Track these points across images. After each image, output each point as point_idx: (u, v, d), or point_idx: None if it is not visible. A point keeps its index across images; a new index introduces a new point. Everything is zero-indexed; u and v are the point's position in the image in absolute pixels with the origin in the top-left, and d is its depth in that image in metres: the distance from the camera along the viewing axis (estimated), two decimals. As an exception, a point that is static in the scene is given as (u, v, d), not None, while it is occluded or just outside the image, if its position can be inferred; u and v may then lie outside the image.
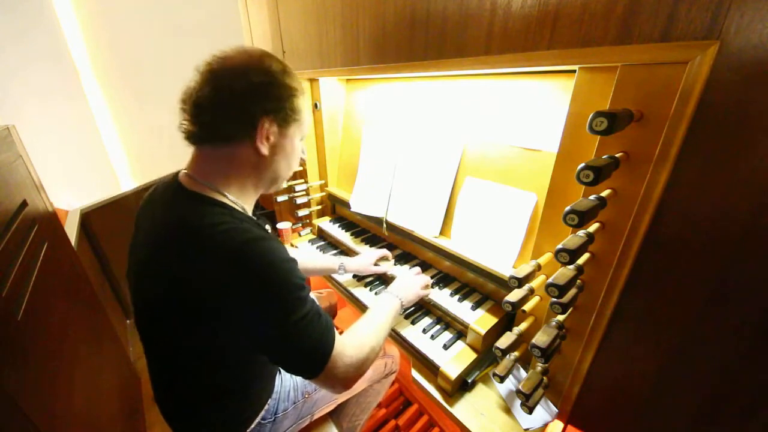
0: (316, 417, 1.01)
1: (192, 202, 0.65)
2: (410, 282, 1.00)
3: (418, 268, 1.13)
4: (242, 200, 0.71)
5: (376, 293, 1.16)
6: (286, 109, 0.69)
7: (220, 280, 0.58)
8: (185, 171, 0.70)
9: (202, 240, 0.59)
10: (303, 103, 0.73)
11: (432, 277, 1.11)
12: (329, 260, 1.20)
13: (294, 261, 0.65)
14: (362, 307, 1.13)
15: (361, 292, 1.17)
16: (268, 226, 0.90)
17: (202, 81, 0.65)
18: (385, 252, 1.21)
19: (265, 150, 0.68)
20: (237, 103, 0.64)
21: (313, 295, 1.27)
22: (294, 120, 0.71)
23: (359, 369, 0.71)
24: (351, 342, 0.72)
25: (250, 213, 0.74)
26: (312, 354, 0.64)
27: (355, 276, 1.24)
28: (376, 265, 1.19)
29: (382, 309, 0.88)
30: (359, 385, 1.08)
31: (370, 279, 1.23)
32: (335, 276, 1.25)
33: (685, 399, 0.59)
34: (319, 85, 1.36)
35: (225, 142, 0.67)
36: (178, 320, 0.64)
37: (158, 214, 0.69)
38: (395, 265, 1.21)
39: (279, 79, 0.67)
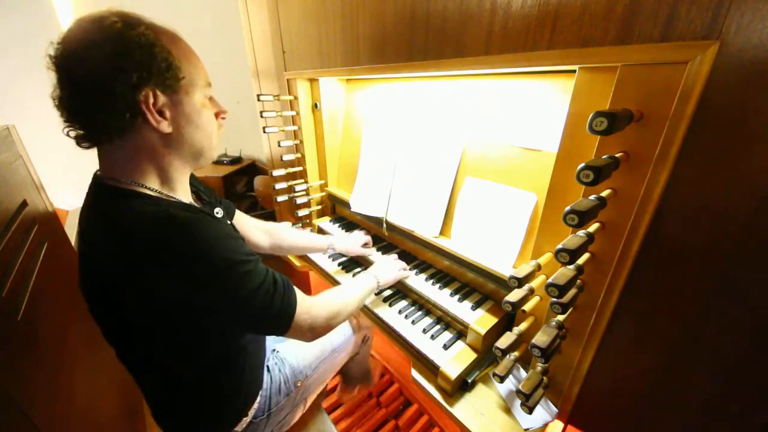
0: (309, 403, 1.04)
1: (113, 199, 0.60)
2: (388, 264, 1.09)
3: (395, 255, 1.22)
4: (169, 187, 0.66)
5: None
6: (160, 71, 0.57)
7: (158, 272, 0.55)
8: (99, 173, 0.65)
9: (127, 235, 0.55)
10: (176, 52, 0.60)
11: (432, 277, 1.11)
12: (319, 240, 1.26)
13: (234, 237, 0.63)
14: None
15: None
16: (219, 210, 0.85)
17: (57, 78, 0.56)
18: (368, 238, 1.31)
19: (165, 127, 0.60)
20: (101, 90, 0.54)
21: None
22: (178, 79, 0.60)
23: (327, 322, 0.78)
24: (318, 301, 0.78)
25: (185, 198, 0.69)
26: (276, 317, 0.68)
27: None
28: (363, 247, 1.28)
29: (358, 281, 0.98)
30: (342, 360, 1.16)
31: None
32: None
33: (685, 399, 0.59)
34: (319, 85, 1.36)
35: (119, 136, 0.59)
36: (135, 320, 0.61)
37: (84, 222, 0.65)
38: (383, 254, 1.29)
39: (129, 40, 0.55)
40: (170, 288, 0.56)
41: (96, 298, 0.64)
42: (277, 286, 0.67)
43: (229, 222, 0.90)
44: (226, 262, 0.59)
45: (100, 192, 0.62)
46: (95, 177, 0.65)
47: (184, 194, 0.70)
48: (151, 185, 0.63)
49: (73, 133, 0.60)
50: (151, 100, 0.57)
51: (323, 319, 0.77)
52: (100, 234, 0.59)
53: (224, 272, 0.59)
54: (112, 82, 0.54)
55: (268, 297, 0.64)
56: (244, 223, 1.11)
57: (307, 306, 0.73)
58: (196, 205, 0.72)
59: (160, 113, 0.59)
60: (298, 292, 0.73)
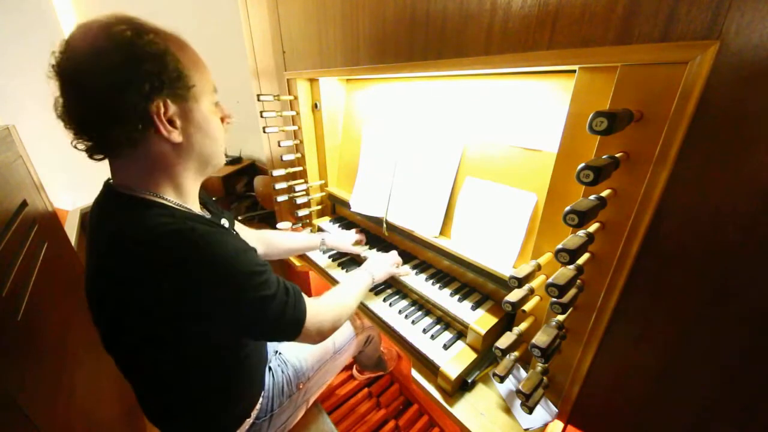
0: (311, 403, 1.05)
1: (128, 208, 0.59)
2: (382, 259, 1.10)
3: (394, 252, 1.21)
4: (182, 197, 0.66)
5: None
6: (170, 80, 0.56)
7: (176, 284, 0.55)
8: (112, 181, 0.64)
9: (146, 246, 0.54)
10: (185, 60, 0.59)
11: (432, 277, 1.11)
12: (310, 238, 1.27)
13: (249, 250, 0.64)
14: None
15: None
16: (225, 221, 0.86)
17: (60, 89, 0.55)
18: (361, 236, 1.33)
19: (176, 136, 0.59)
20: (113, 102, 0.53)
21: None
22: (188, 88, 0.59)
23: (333, 325, 0.79)
24: (323, 304, 0.79)
25: (195, 208, 0.70)
26: (288, 325, 0.69)
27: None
28: (354, 246, 1.29)
29: (354, 280, 0.98)
30: (345, 361, 1.18)
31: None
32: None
33: (685, 399, 0.59)
34: (319, 85, 1.36)
35: (130, 146, 0.57)
36: (145, 330, 0.60)
37: (96, 230, 0.63)
38: (370, 249, 1.33)
39: (139, 50, 0.53)
40: (187, 298, 0.56)
41: (105, 306, 0.62)
42: (288, 294, 0.68)
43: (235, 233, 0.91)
44: (245, 274, 0.60)
45: (115, 200, 0.61)
46: (108, 185, 0.64)
47: (194, 205, 0.70)
48: (167, 195, 0.63)
49: (81, 146, 0.59)
50: (162, 110, 0.56)
51: (329, 322, 0.79)
52: (115, 242, 0.57)
53: (243, 284, 0.60)
54: (123, 93, 0.52)
55: (281, 306, 0.66)
56: (241, 233, 1.11)
57: (315, 311, 0.75)
58: (207, 216, 0.73)
59: (171, 123, 0.59)
60: (306, 298, 0.74)
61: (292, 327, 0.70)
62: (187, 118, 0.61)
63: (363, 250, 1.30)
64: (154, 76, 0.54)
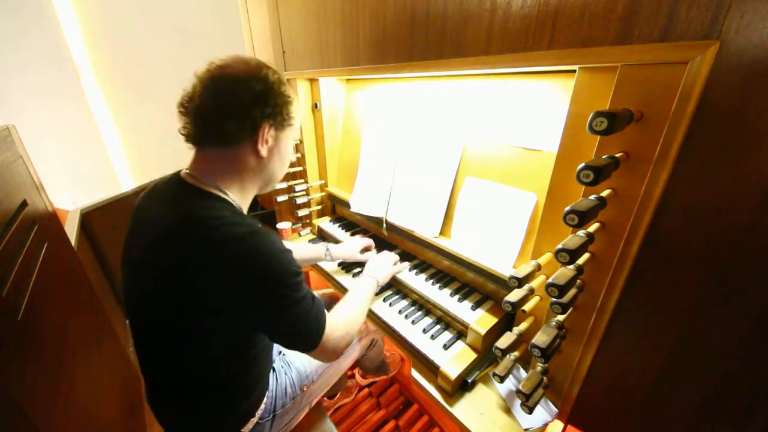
0: (313, 404, 1.06)
1: (195, 197, 0.69)
2: (383, 261, 1.11)
3: (396, 257, 1.20)
4: (240, 199, 0.76)
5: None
6: (283, 115, 0.74)
7: (224, 270, 0.62)
8: (187, 170, 0.74)
9: (205, 232, 0.63)
10: (296, 109, 0.79)
11: (432, 277, 1.11)
12: (316, 248, 1.26)
13: (290, 251, 0.71)
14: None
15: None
16: (260, 225, 0.93)
17: (203, 87, 0.69)
18: (369, 242, 1.28)
19: (264, 152, 0.74)
20: (240, 108, 0.69)
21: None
22: (289, 125, 0.78)
23: (346, 340, 0.82)
24: (339, 319, 0.82)
25: (245, 212, 0.77)
26: (309, 332, 0.73)
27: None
28: (361, 253, 1.25)
29: (362, 289, 0.98)
30: (348, 364, 1.18)
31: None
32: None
33: (685, 399, 0.59)
34: (319, 85, 1.36)
35: (227, 145, 0.71)
36: (178, 312, 0.67)
37: (159, 209, 0.72)
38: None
39: (277, 88, 0.73)
40: (227, 285, 0.63)
41: (150, 281, 0.69)
42: (314, 302, 0.74)
43: None
44: (283, 273, 0.68)
45: (187, 189, 0.71)
46: (178, 175, 0.75)
47: (246, 209, 0.80)
48: (231, 193, 0.73)
49: (185, 131, 0.73)
50: (267, 129, 0.72)
51: (343, 339, 0.81)
52: (183, 223, 0.65)
53: (279, 280, 0.67)
54: (251, 106, 0.69)
55: (305, 311, 0.71)
56: None
57: (330, 329, 0.77)
58: None
59: (265, 141, 0.73)
60: (327, 316, 0.77)
61: (309, 336, 0.73)
62: (277, 143, 0.77)
63: (372, 257, 1.25)
64: (276, 107, 0.72)
